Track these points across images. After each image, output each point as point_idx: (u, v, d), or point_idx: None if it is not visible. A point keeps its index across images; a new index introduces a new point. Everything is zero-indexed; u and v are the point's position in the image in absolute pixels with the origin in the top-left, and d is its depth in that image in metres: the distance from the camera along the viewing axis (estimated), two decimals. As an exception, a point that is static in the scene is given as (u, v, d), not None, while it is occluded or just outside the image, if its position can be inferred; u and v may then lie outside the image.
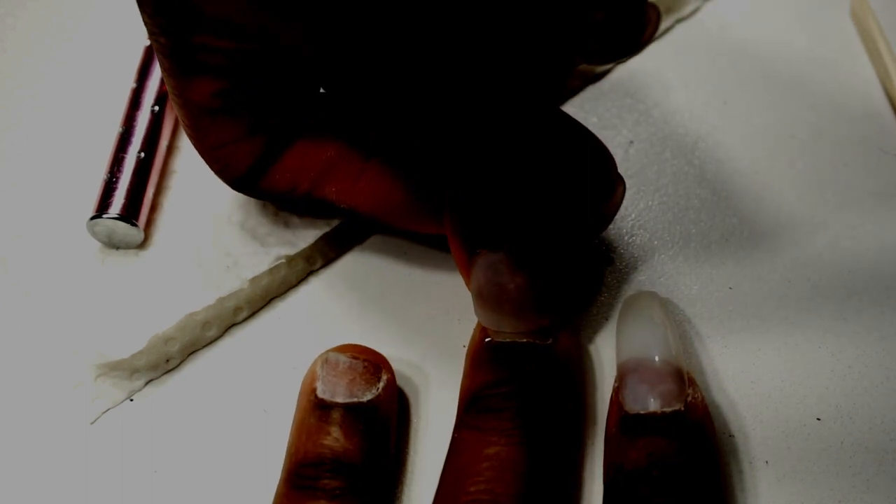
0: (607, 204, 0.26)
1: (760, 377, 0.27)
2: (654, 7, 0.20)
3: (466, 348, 0.28)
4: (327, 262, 0.30)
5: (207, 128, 0.25)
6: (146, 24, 0.22)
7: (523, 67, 0.20)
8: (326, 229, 0.29)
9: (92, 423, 0.27)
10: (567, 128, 0.25)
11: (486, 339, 0.25)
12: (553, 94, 0.23)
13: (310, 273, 0.30)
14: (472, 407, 0.24)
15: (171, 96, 0.24)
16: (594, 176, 0.25)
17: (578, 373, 0.27)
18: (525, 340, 0.25)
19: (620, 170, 0.26)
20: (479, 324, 0.26)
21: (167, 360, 0.28)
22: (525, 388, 0.24)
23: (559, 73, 0.21)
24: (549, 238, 0.24)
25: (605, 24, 0.19)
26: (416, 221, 0.27)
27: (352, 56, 0.20)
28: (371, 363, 0.25)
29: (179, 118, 0.25)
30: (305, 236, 0.29)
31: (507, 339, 0.25)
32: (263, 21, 0.20)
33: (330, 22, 0.19)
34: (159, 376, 0.28)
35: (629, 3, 0.20)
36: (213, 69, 0.23)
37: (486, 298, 0.24)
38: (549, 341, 0.25)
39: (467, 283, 0.25)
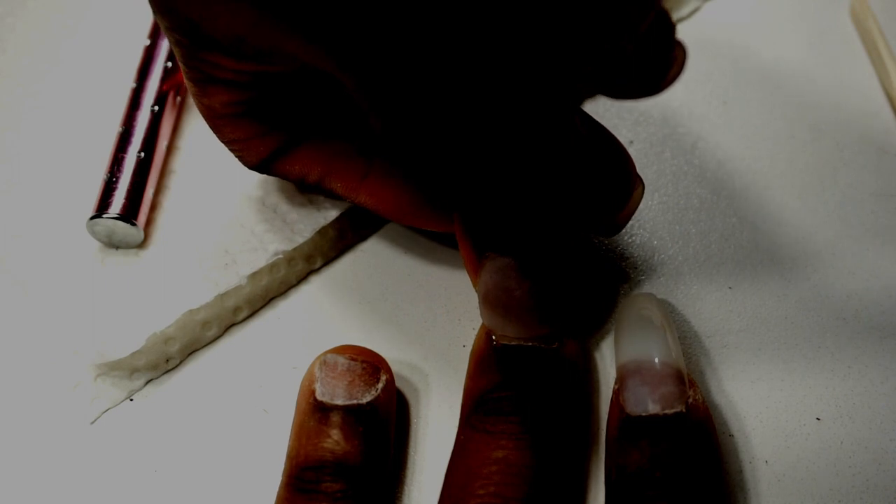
0: (625, 205, 0.26)
1: (760, 377, 0.27)
2: (681, 45, 0.20)
3: (469, 349, 0.28)
4: (327, 261, 0.30)
5: (222, 127, 0.25)
6: (165, 33, 0.22)
7: (541, 92, 0.19)
8: (324, 223, 0.29)
9: (92, 422, 0.27)
10: (585, 126, 0.25)
11: (493, 342, 0.25)
12: (569, 110, 0.22)
13: (310, 272, 0.30)
14: (479, 409, 0.24)
15: (192, 96, 0.25)
16: (611, 177, 0.25)
17: (583, 376, 0.27)
18: (531, 344, 0.25)
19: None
20: (483, 325, 0.26)
21: (167, 360, 0.28)
22: (533, 391, 0.24)
23: (577, 98, 0.21)
24: (559, 243, 0.24)
25: (631, 60, 0.19)
26: (422, 219, 0.27)
27: (359, 73, 0.19)
28: (370, 364, 0.25)
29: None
30: (303, 232, 0.29)
31: (514, 343, 0.25)
32: (269, 40, 0.20)
33: (337, 42, 0.19)
34: (159, 376, 0.28)
35: (656, 40, 0.19)
36: (224, 82, 0.23)
37: (492, 302, 0.24)
38: (556, 345, 0.25)
39: (475, 285, 0.25)
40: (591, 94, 0.21)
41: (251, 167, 0.27)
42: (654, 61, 0.19)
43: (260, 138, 0.25)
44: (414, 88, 0.19)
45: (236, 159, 0.27)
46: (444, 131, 0.20)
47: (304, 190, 0.30)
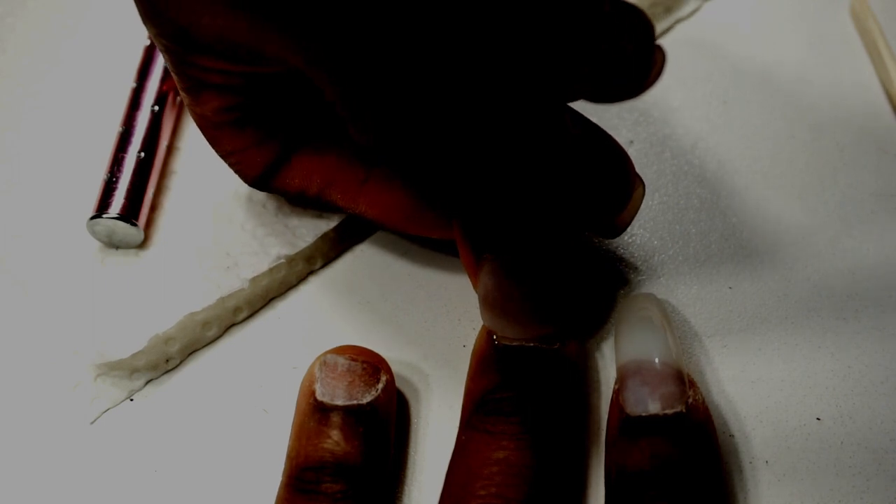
0: (625, 205, 0.26)
1: (760, 377, 0.27)
2: (661, 49, 0.20)
3: (469, 349, 0.28)
4: (327, 262, 0.30)
5: (217, 137, 0.25)
6: (154, 41, 0.22)
7: (530, 92, 0.19)
8: (326, 229, 0.29)
9: (92, 422, 0.27)
10: (577, 126, 0.25)
11: (494, 342, 0.25)
12: (560, 110, 0.23)
13: (310, 273, 0.30)
14: (479, 409, 0.24)
15: (186, 106, 0.25)
16: (609, 177, 0.25)
17: (583, 376, 0.27)
18: (532, 344, 0.25)
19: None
20: (484, 326, 0.26)
21: (167, 360, 0.28)
22: (534, 392, 0.24)
23: (562, 98, 0.21)
24: (558, 244, 0.24)
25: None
26: (421, 227, 0.27)
27: (348, 75, 0.19)
28: (370, 364, 0.25)
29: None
30: (305, 236, 0.29)
31: (515, 343, 0.25)
32: (255, 42, 0.20)
33: (322, 39, 0.19)
34: (159, 376, 0.28)
35: (635, 44, 0.19)
36: (216, 87, 0.23)
37: (491, 304, 0.24)
38: (557, 346, 0.25)
39: (475, 286, 0.25)
40: (576, 97, 0.21)
41: (251, 182, 0.27)
42: (634, 65, 0.20)
43: (256, 148, 0.25)
44: (400, 93, 0.19)
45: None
46: (430, 137, 0.20)
47: (305, 205, 0.30)
